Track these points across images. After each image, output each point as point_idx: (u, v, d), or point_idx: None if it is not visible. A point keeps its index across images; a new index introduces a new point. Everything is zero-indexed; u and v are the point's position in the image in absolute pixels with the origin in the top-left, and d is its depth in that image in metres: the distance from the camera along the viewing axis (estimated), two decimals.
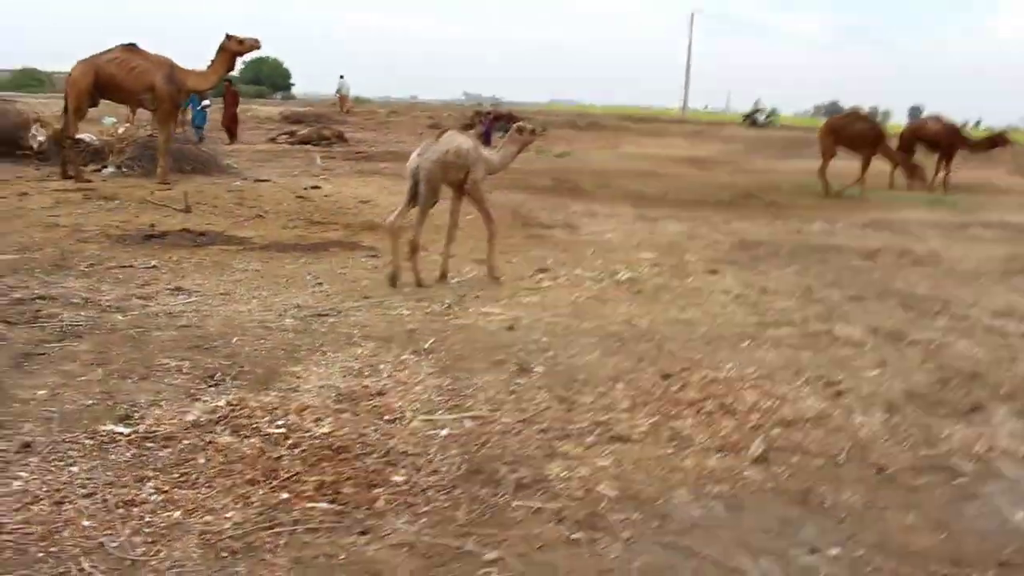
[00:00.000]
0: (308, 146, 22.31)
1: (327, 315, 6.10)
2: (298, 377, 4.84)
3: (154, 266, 7.47)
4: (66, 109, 13.06)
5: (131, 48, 13.01)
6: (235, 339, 5.43)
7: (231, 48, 12.67)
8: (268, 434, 3.93)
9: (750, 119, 46.36)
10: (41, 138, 15.01)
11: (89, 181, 12.65)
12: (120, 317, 5.81)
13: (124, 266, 7.42)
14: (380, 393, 4.61)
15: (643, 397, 4.61)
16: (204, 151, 15.11)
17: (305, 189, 13.09)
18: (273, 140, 23.57)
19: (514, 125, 8.09)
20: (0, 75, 51.95)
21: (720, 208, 13.64)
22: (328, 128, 24.54)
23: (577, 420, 4.29)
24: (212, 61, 13.05)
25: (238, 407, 4.23)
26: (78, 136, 14.88)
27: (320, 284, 7.04)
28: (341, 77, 38.19)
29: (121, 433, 3.87)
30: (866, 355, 5.66)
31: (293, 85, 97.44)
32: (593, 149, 26.60)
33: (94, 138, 15.02)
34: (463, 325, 5.94)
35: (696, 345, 5.70)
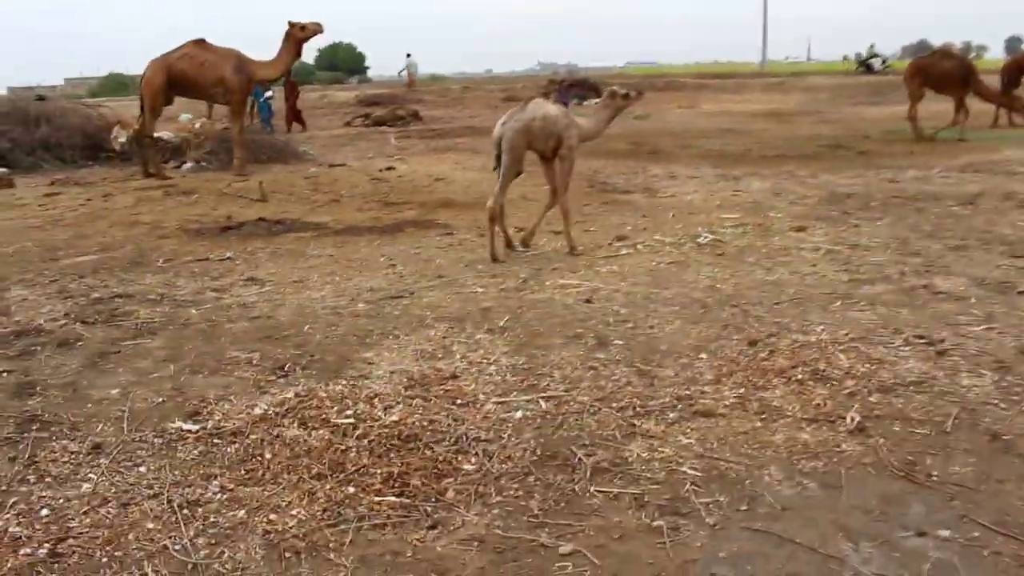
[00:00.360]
0: (384, 127, 22.32)
1: (400, 297, 5.98)
2: (370, 363, 4.73)
3: (229, 258, 7.48)
4: (142, 109, 13.28)
5: (200, 43, 13.10)
6: (306, 327, 5.35)
7: (295, 35, 12.65)
8: (336, 425, 3.81)
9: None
10: (122, 139, 15.32)
11: (169, 178, 12.85)
12: (194, 311, 5.80)
13: (200, 259, 7.45)
14: (453, 376, 4.46)
15: (728, 367, 4.33)
16: (278, 140, 15.20)
17: (380, 171, 13.04)
18: (348, 124, 23.66)
19: (607, 89, 7.61)
20: (90, 82, 53.90)
21: (805, 161, 13.06)
22: (402, 108, 24.52)
23: (658, 395, 4.06)
24: (279, 50, 13.06)
25: (307, 398, 4.12)
26: (156, 134, 15.24)
27: (393, 266, 6.93)
28: (408, 56, 39.05)
29: (189, 430, 3.81)
30: (972, 310, 5.25)
31: (368, 68, 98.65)
32: (671, 109, 25.92)
33: (172, 135, 15.27)
34: (539, 300, 5.74)
35: (784, 308, 5.38)
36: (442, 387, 4.32)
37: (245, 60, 12.99)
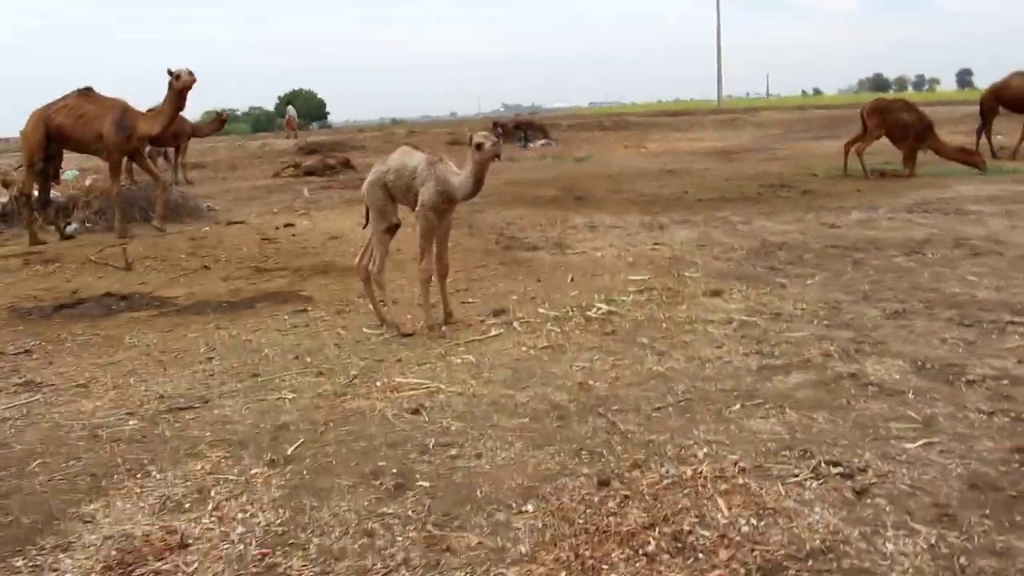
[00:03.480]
0: (313, 177, 21.07)
1: (188, 408, 4.66)
2: (87, 522, 3.42)
3: (26, 351, 6.18)
4: (21, 163, 12.01)
5: (84, 93, 11.84)
6: (36, 463, 4.02)
7: (173, 85, 11.33)
8: None
9: None
10: (3, 199, 13.95)
11: (43, 243, 11.52)
12: None
13: None
14: (181, 545, 3.15)
15: (556, 529, 3.04)
16: (174, 195, 13.85)
17: (277, 228, 11.80)
18: (277, 174, 22.37)
19: (473, 141, 5.79)
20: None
21: (743, 204, 11.92)
22: (332, 156, 23.27)
23: None
24: (162, 101, 11.75)
25: None
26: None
27: (211, 359, 5.63)
28: (288, 104, 41.16)
29: None
30: (908, 411, 4.01)
31: (328, 115, 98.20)
32: (616, 150, 24.91)
33: (58, 194, 13.90)
34: (355, 410, 4.44)
35: (666, 416, 4.11)
36: (152, 568, 3.01)
37: (129, 113, 11.68)
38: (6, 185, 14.37)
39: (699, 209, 11.67)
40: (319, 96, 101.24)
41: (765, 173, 16.01)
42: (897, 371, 4.56)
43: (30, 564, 3.10)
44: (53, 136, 11.72)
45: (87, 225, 12.92)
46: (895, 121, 14.54)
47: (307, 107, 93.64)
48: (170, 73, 11.25)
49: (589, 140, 29.71)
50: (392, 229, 6.14)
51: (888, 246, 8.12)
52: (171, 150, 20.19)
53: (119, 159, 11.85)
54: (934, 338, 5.14)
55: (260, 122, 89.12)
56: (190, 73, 11.18)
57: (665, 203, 12.53)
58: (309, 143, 32.20)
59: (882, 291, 6.39)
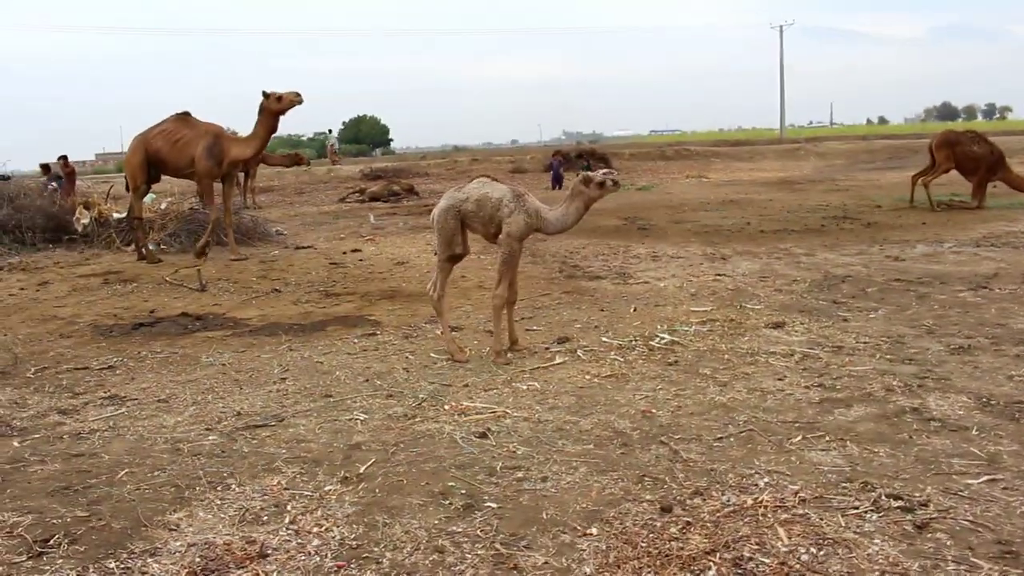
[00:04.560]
0: (378, 203, 21.51)
1: (264, 426, 4.87)
2: (172, 529, 3.62)
3: (110, 366, 6.49)
4: (127, 188, 12.45)
5: (182, 118, 12.11)
6: (122, 473, 4.25)
7: (271, 107, 11.13)
8: None
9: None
10: (85, 221, 14.56)
11: (159, 260, 11.90)
12: (15, 443, 4.73)
13: (78, 368, 6.47)
14: (261, 556, 3.32)
15: (620, 551, 3.14)
16: (245, 220, 14.29)
17: (344, 253, 12.12)
18: (343, 200, 22.88)
19: (579, 175, 6.12)
20: (119, 157, 53.54)
21: (805, 236, 11.90)
22: (398, 183, 23.71)
23: None
24: (255, 125, 11.79)
25: None
26: (116, 215, 14.46)
27: (284, 379, 5.85)
28: (329, 131, 41.97)
29: None
30: (971, 447, 4.03)
31: (391, 141, 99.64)
32: (679, 179, 24.93)
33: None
34: (424, 433, 4.60)
35: (727, 446, 4.19)
36: (234, 575, 3.18)
37: (222, 139, 11.86)
38: (88, 207, 14.97)
39: (761, 240, 11.68)
40: (382, 122, 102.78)
41: (828, 204, 15.93)
42: (961, 407, 4.57)
43: (122, 567, 3.30)
44: (152, 160, 12.05)
45: (161, 247, 13.40)
46: (965, 153, 14.36)
47: (372, 133, 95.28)
48: (265, 95, 11.10)
49: (651, 169, 29.77)
50: (457, 258, 6.33)
51: (954, 280, 8.06)
52: (241, 174, 20.80)
53: (209, 185, 11.97)
54: (1000, 374, 5.13)
55: (338, 148, 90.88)
56: (297, 95, 10.96)
57: (727, 234, 12.56)
58: (373, 169, 32.80)
59: (947, 326, 6.36)
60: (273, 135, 12.01)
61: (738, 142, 42.97)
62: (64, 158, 19.89)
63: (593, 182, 5.88)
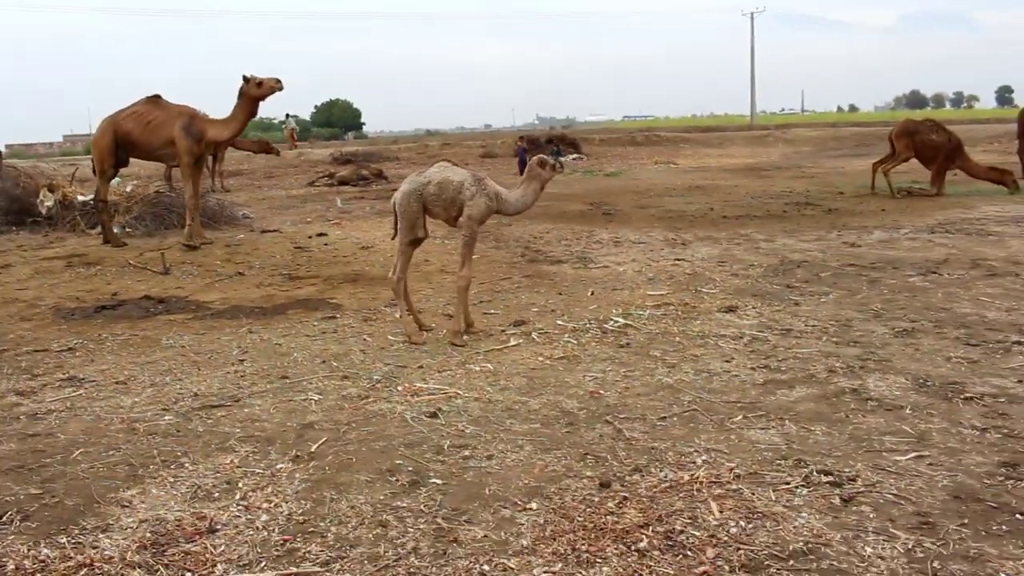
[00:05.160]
0: (347, 187, 21.47)
1: (220, 406, 4.94)
2: (125, 506, 3.69)
3: (70, 348, 6.50)
4: (94, 171, 12.28)
5: (153, 100, 11.96)
6: (77, 452, 4.30)
7: (251, 92, 10.98)
8: None
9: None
10: (49, 203, 14.41)
11: (124, 244, 11.77)
12: None
13: (38, 350, 6.49)
14: (210, 530, 3.40)
15: (557, 525, 3.26)
16: (211, 203, 14.22)
17: (310, 237, 12.10)
18: (312, 183, 22.80)
19: (535, 157, 6.40)
20: (88, 139, 52.65)
21: (768, 222, 12.07)
22: (367, 167, 23.66)
23: (442, 573, 2.98)
24: (233, 108, 11.72)
25: None
26: (82, 198, 14.33)
27: (243, 361, 5.91)
28: (287, 115, 41.50)
29: None
30: (903, 426, 4.18)
31: (364, 125, 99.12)
32: (647, 165, 25.08)
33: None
34: (376, 413, 4.69)
35: (670, 425, 4.31)
36: (183, 549, 3.26)
37: (197, 119, 11.73)
38: (52, 190, 14.83)
39: (723, 226, 11.84)
40: (355, 106, 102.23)
41: (792, 191, 16.13)
42: (898, 388, 4.73)
43: (73, 542, 3.37)
44: (121, 143, 11.92)
45: (126, 230, 13.31)
46: (924, 142, 14.62)
47: (344, 117, 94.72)
48: (245, 79, 11.00)
49: (620, 155, 29.92)
50: (418, 242, 6.41)
51: (905, 265, 8.25)
52: (210, 157, 20.66)
53: (190, 163, 11.79)
54: (939, 356, 5.30)
55: (298, 132, 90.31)
56: (277, 81, 10.88)
57: (690, 219, 12.71)
58: (343, 153, 32.67)
59: (893, 310, 6.54)
60: (252, 119, 11.96)
61: (708, 128, 43.24)
62: None
63: (547, 164, 6.07)
